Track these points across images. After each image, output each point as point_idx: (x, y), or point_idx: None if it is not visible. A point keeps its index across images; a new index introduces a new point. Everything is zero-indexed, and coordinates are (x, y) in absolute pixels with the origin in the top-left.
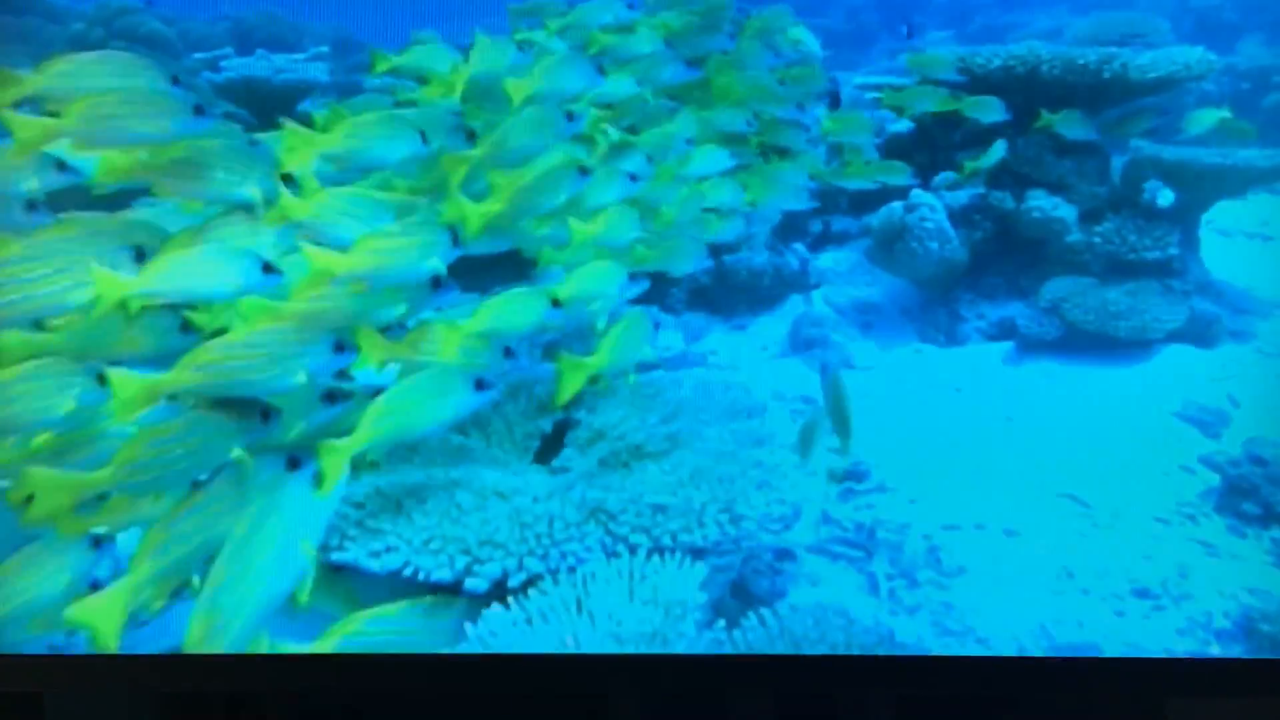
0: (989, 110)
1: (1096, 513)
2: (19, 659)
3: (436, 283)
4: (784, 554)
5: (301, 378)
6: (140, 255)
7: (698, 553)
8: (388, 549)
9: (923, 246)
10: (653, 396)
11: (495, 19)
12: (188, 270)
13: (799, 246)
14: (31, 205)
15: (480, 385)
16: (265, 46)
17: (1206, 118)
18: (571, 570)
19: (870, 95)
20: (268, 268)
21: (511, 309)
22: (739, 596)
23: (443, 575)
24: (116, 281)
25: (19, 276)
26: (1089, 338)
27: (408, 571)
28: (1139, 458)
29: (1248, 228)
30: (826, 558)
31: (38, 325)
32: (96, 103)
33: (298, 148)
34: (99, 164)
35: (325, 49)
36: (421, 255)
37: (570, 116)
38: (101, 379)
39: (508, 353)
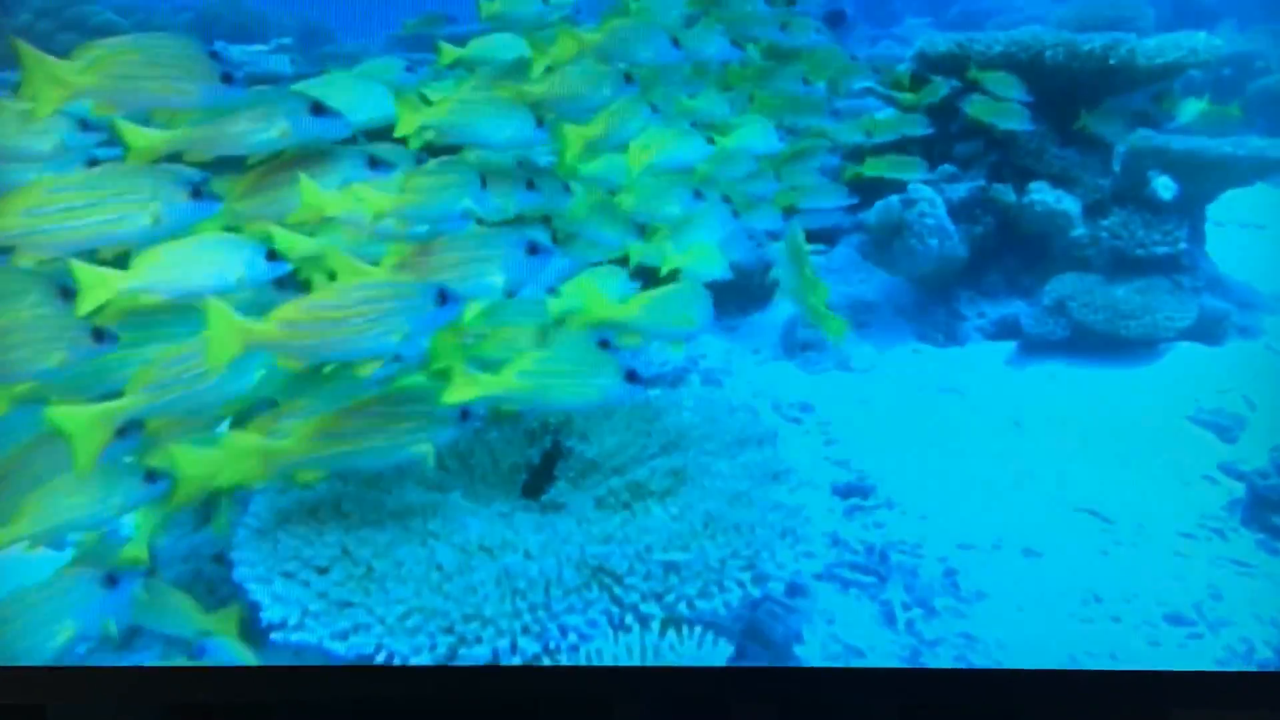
0: (1008, 88)
1: (1118, 528)
2: (21, 671)
3: (533, 249)
4: (794, 589)
5: (397, 338)
6: (197, 194)
7: (717, 627)
8: (356, 627)
9: (922, 243)
10: (651, 420)
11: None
12: (184, 262)
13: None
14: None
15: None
16: (227, 38)
17: (1196, 106)
18: (574, 650)
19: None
20: (272, 255)
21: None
22: (755, 640)
23: (422, 659)
24: (104, 278)
25: (73, 203)
26: (1095, 337)
27: (380, 657)
28: (1156, 466)
29: (1240, 217)
30: (838, 585)
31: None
32: (120, 62)
33: (405, 116)
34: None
35: (289, 40)
36: (453, 198)
37: (629, 78)
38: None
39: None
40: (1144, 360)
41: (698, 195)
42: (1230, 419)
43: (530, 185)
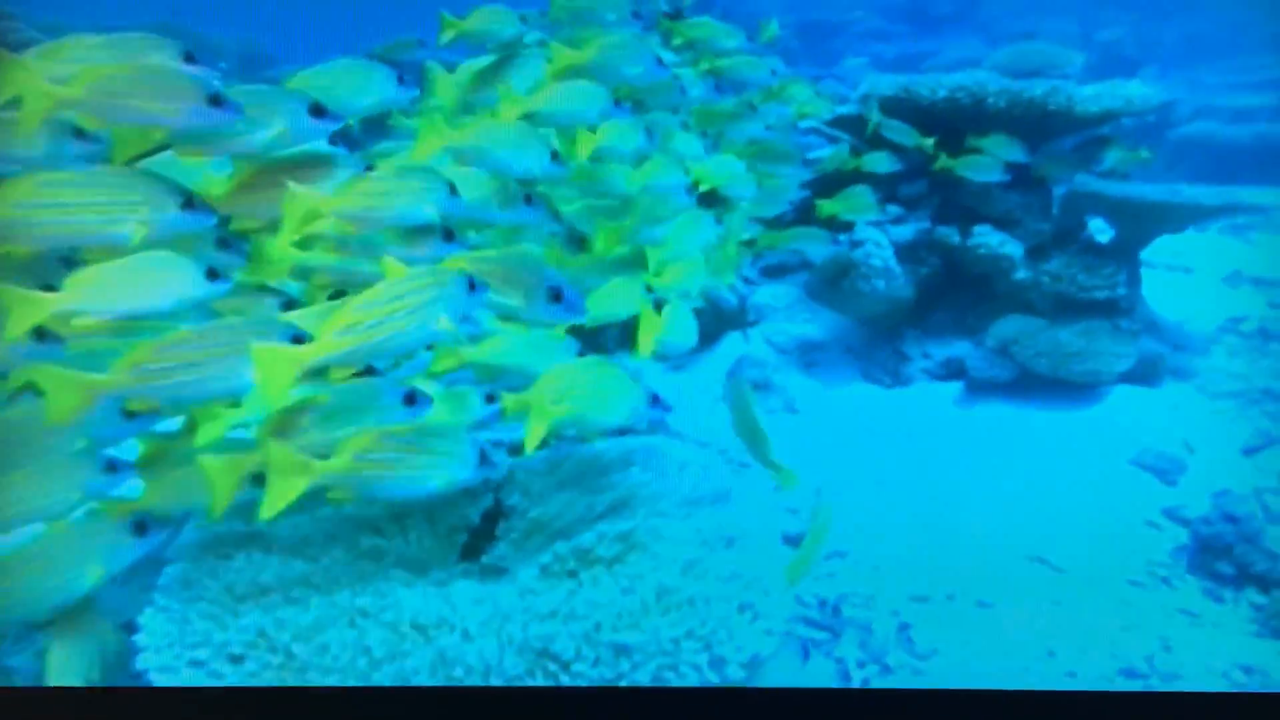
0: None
1: (1069, 577)
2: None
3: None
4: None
5: (447, 323)
6: (189, 204)
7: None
8: None
9: (869, 284)
10: (598, 476)
11: (405, 29)
12: (120, 282)
13: (735, 281)
14: None
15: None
16: None
17: (1113, 152)
18: None
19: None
20: (212, 274)
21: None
22: None
23: None
24: (34, 300)
25: (64, 200)
26: (1039, 379)
27: None
28: (1102, 511)
29: (1167, 260)
30: (794, 646)
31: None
32: (108, 77)
33: (428, 138)
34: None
35: (225, 65)
36: (415, 201)
37: (618, 103)
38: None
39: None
40: (1086, 403)
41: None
42: (1170, 462)
43: (529, 200)
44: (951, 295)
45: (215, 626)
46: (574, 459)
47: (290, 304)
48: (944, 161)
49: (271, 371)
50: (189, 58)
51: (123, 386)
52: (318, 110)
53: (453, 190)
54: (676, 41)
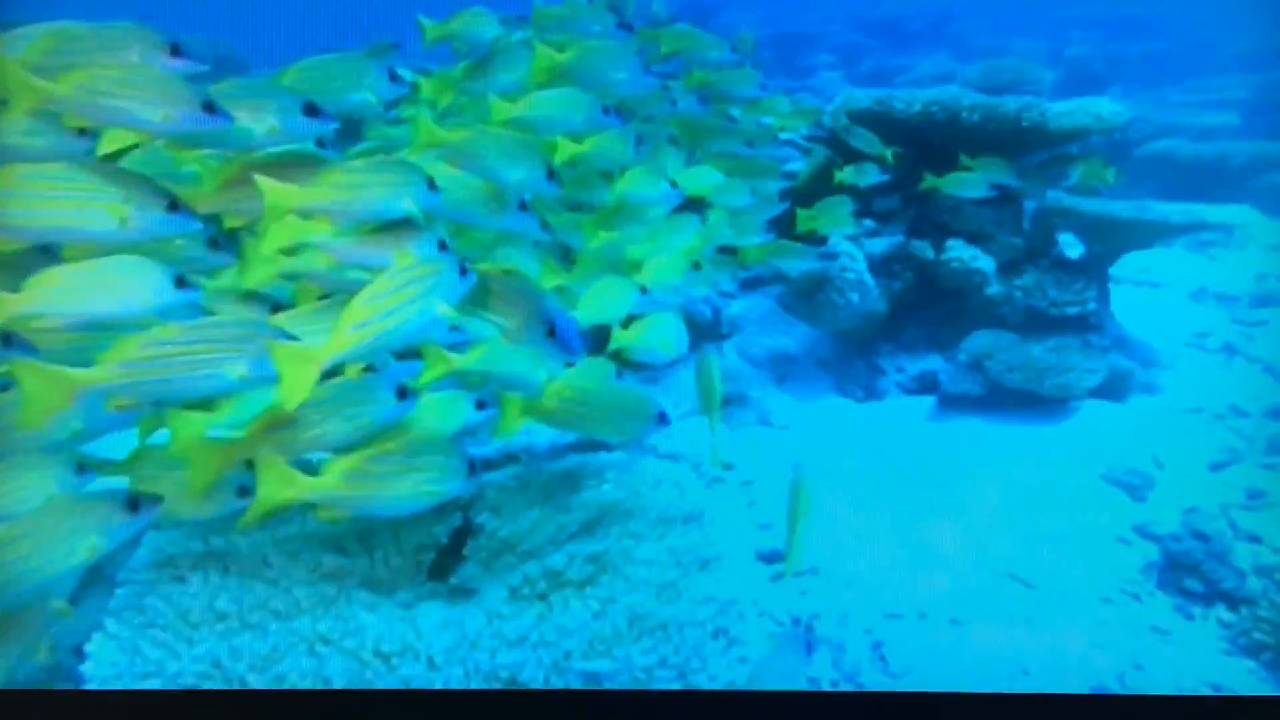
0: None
1: (1041, 594)
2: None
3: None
4: None
5: (445, 308)
6: (174, 207)
7: None
8: None
9: (843, 298)
10: (570, 494)
11: (380, 33)
12: (84, 286)
13: (709, 292)
14: None
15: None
16: None
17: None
18: None
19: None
20: (180, 282)
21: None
22: None
23: None
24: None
25: (42, 192)
26: (1011, 394)
27: None
28: (1073, 527)
29: (1133, 275)
30: (796, 641)
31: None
32: (96, 77)
33: (422, 137)
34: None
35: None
36: (390, 195)
37: (606, 110)
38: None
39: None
40: (1057, 418)
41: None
42: (1140, 478)
43: (523, 206)
44: (924, 309)
45: (168, 655)
46: (545, 476)
47: (278, 306)
48: (930, 181)
49: (294, 370)
50: (175, 50)
51: (107, 382)
52: (311, 109)
53: (432, 185)
54: (663, 50)
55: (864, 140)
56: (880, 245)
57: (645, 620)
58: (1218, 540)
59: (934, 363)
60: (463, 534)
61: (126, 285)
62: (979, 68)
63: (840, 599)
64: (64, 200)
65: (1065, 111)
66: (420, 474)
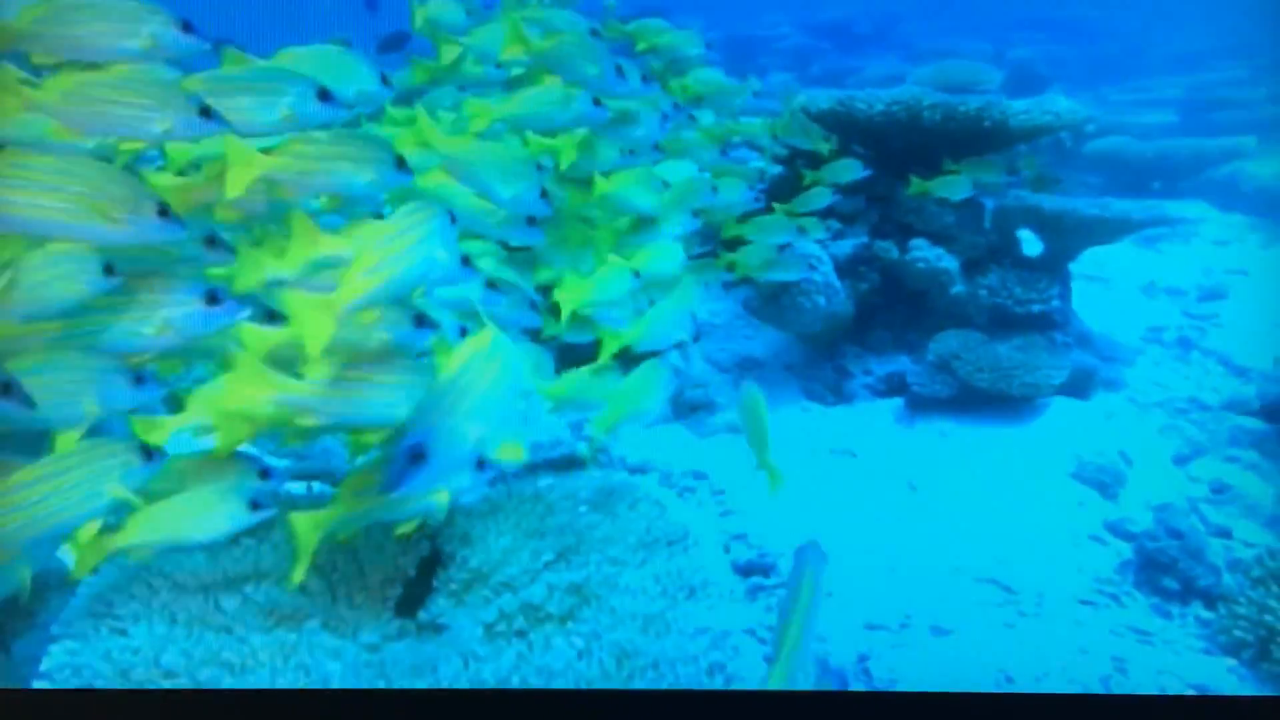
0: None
1: (1021, 599)
2: None
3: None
4: None
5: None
6: (205, 112)
7: None
8: None
9: (810, 300)
10: (543, 518)
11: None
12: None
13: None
14: None
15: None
16: None
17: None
18: None
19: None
20: (110, 270)
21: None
22: None
23: None
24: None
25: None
26: (978, 394)
27: None
28: (1047, 528)
29: (1085, 270)
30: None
31: None
32: (88, 84)
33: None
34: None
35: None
36: (354, 169)
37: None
38: None
39: None
40: (1025, 417)
41: None
42: (1109, 475)
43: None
44: (890, 310)
45: None
46: (515, 499)
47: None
48: (918, 186)
49: (311, 320)
50: (187, 27)
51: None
52: (324, 94)
53: (401, 164)
54: (641, 47)
55: (807, 133)
56: (845, 247)
57: (635, 659)
58: (1192, 537)
59: (901, 364)
60: (431, 564)
61: (58, 276)
62: (931, 68)
63: (821, 610)
64: (55, 194)
65: (1024, 110)
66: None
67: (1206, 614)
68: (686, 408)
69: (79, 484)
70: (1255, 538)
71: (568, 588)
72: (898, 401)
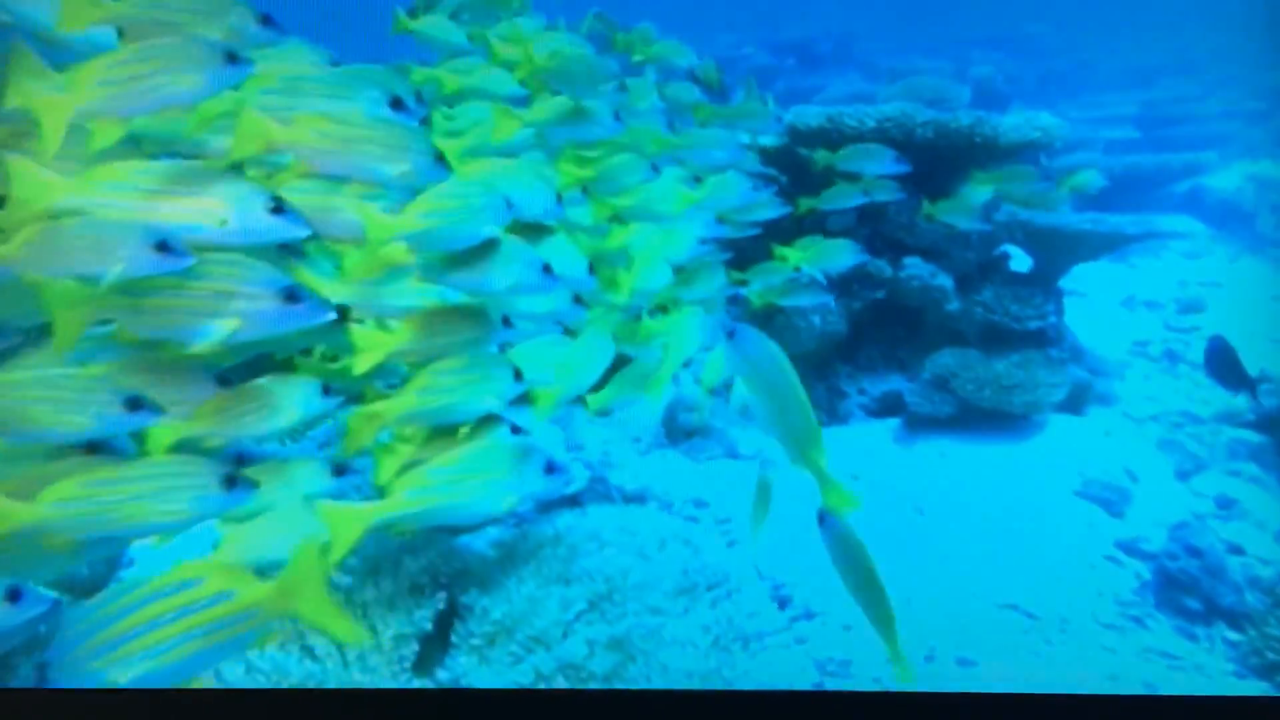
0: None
1: (1044, 624)
2: None
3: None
4: None
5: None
6: (233, 59)
7: None
8: None
9: (805, 320)
10: (566, 561)
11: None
12: (59, 249)
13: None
14: None
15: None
16: None
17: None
18: None
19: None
20: (162, 246)
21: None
22: None
23: None
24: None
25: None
26: (975, 412)
27: None
28: (1059, 549)
29: (1066, 284)
30: None
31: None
32: (117, 63)
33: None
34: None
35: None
36: (387, 157)
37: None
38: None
39: None
40: (1024, 435)
41: None
42: (1114, 492)
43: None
44: (882, 329)
45: None
46: (533, 541)
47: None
48: (928, 208)
49: (341, 529)
50: (265, 20)
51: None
52: (398, 104)
53: (440, 159)
54: (636, 58)
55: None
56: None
57: None
58: (1211, 555)
59: (896, 383)
60: (448, 617)
61: (106, 246)
62: (899, 86)
63: (840, 645)
64: (165, 196)
65: (1014, 126)
66: (485, 479)
67: (1233, 635)
68: (681, 433)
69: (157, 495)
70: (1270, 554)
71: (609, 643)
72: (894, 421)
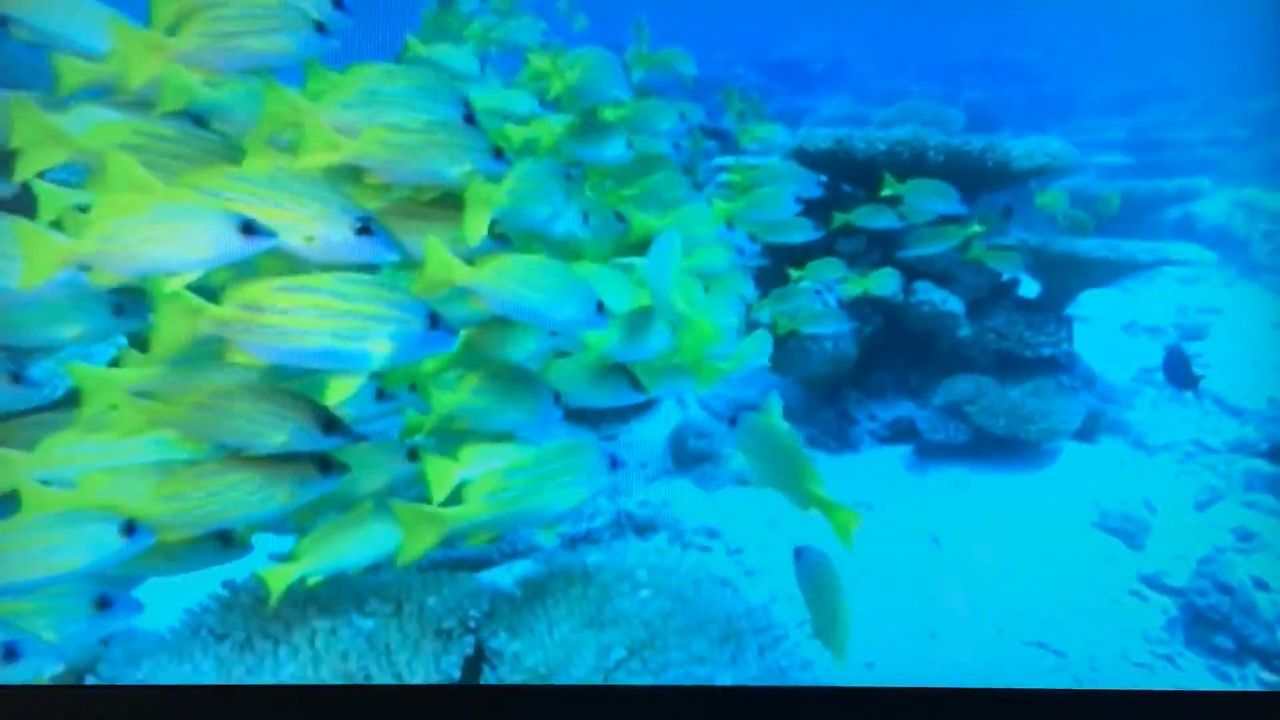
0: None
1: (1073, 663)
2: None
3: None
4: None
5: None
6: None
7: None
8: None
9: (817, 344)
10: (599, 603)
11: None
12: (143, 236)
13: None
14: None
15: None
16: None
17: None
18: None
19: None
20: (248, 229)
21: None
22: None
23: None
24: (51, 245)
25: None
26: (988, 440)
27: None
28: (1081, 584)
29: (1070, 310)
30: None
31: None
32: (216, 18)
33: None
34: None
35: None
36: (449, 159)
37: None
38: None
39: None
40: (1038, 463)
41: None
42: (1134, 524)
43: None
44: (891, 354)
45: None
46: (562, 579)
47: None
48: (976, 251)
49: (417, 532)
50: (337, 3)
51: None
52: (470, 119)
53: (499, 154)
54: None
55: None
56: (852, 288)
57: None
58: (1241, 593)
59: (906, 409)
60: (476, 663)
61: (190, 231)
62: (896, 109)
63: (861, 682)
64: (253, 207)
65: (1025, 151)
66: (559, 479)
67: (1268, 675)
68: (691, 459)
69: (255, 488)
70: None
71: None
72: (906, 448)
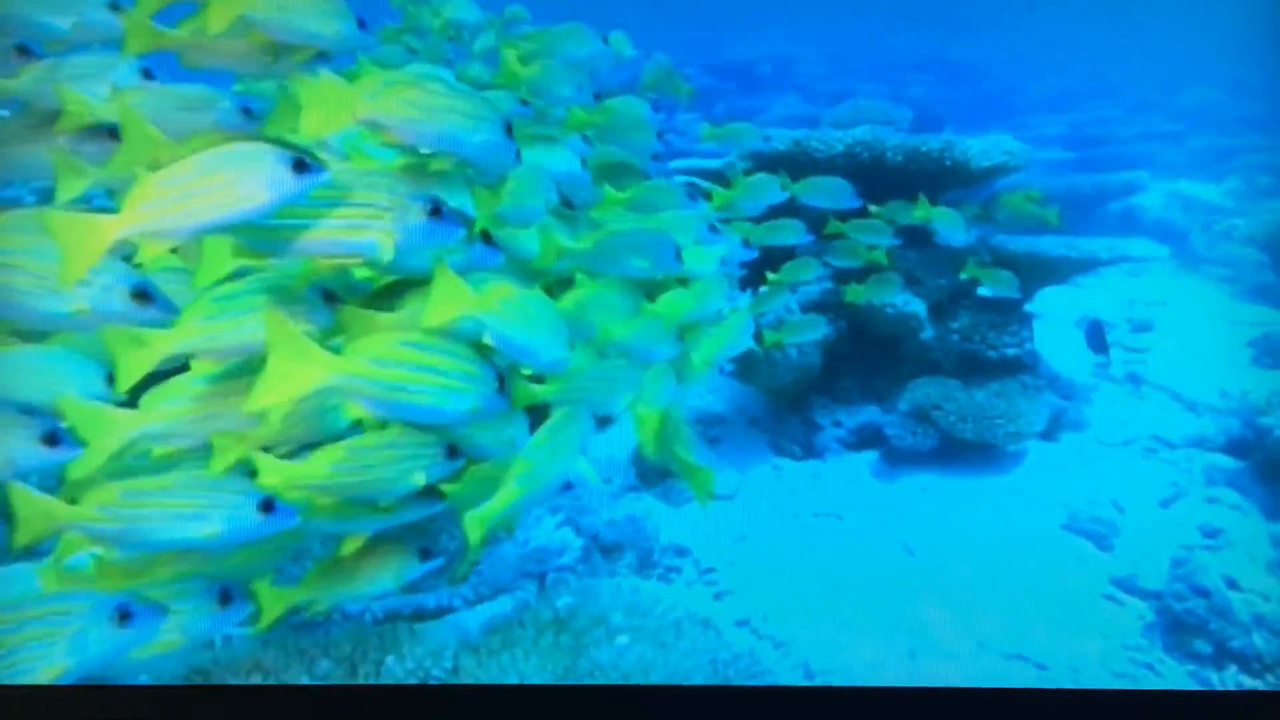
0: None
1: (1055, 675)
2: None
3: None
4: None
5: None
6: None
7: None
8: None
9: (782, 352)
10: (574, 655)
11: None
12: (192, 191)
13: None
14: None
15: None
16: None
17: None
18: None
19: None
20: (300, 165)
21: None
22: None
23: None
24: (89, 225)
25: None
26: (953, 444)
27: None
28: (1055, 590)
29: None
30: None
31: None
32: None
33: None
34: None
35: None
36: (470, 127)
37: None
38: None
39: None
40: (1005, 466)
41: None
42: (1104, 525)
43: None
44: (855, 359)
45: None
46: (531, 626)
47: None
48: (971, 269)
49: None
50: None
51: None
52: (509, 130)
53: (509, 132)
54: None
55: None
56: (811, 292)
57: None
58: (1217, 595)
59: (871, 414)
60: None
61: (242, 175)
62: (845, 108)
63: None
64: (337, 212)
65: (983, 150)
66: (447, 379)
67: (1248, 680)
68: (655, 474)
69: (391, 463)
70: (1268, 588)
71: None
72: (872, 454)
